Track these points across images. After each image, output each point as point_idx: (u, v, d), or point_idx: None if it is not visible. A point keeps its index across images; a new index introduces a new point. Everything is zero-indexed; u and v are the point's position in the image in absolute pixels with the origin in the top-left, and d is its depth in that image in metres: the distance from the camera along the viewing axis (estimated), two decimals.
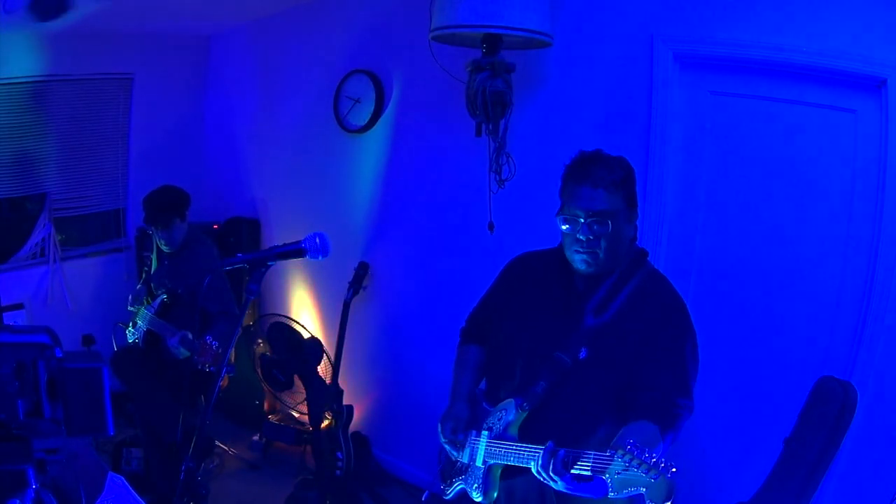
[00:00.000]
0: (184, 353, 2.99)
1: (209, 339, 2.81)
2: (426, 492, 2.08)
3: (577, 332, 1.77)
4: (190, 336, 2.99)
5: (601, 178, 1.71)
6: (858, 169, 2.27)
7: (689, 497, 2.58)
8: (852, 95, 2.26)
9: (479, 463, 1.87)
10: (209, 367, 2.80)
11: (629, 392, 1.73)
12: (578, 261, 1.78)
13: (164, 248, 3.36)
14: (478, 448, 1.88)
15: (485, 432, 1.87)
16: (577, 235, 1.74)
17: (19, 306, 3.96)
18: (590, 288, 1.81)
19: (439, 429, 1.94)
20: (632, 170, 1.79)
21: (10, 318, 3.83)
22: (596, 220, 1.71)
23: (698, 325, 1.80)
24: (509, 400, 1.85)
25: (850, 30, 2.18)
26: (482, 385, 2.04)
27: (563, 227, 1.78)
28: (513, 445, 1.79)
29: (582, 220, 1.72)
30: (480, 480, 1.87)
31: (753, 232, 2.53)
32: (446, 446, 1.95)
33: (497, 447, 1.83)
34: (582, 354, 1.75)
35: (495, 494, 1.86)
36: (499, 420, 1.86)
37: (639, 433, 1.64)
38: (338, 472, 3.43)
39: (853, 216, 2.30)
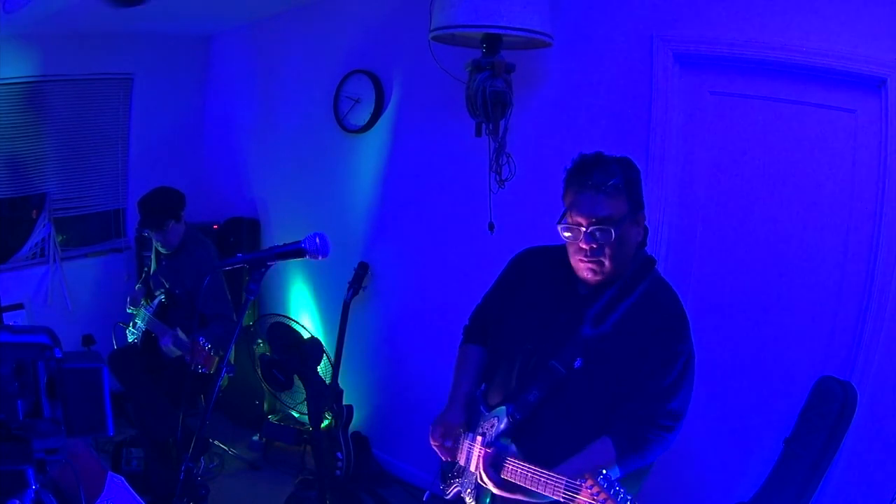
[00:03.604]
0: (175, 351, 2.99)
1: (201, 339, 2.81)
2: (427, 492, 2.08)
3: (573, 341, 1.74)
4: (180, 335, 2.98)
5: (602, 183, 1.65)
6: (858, 169, 2.27)
7: (689, 497, 2.59)
8: (852, 95, 2.26)
9: (472, 468, 1.86)
10: (201, 368, 2.80)
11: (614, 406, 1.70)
12: (584, 270, 1.73)
13: (160, 249, 3.36)
14: (472, 453, 1.87)
15: (479, 438, 1.86)
16: (581, 244, 1.69)
17: (19, 306, 3.96)
18: (592, 294, 1.77)
19: (430, 431, 1.93)
20: (635, 170, 1.74)
21: (10, 318, 3.83)
22: (599, 227, 1.66)
23: (698, 325, 1.79)
24: (501, 407, 1.83)
25: (850, 30, 2.18)
26: (483, 386, 2.01)
27: (566, 235, 1.73)
28: None
29: (584, 229, 1.67)
30: (473, 486, 1.86)
31: (753, 232, 2.53)
32: (435, 450, 1.93)
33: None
34: (577, 364, 1.72)
35: (487, 501, 1.83)
36: (491, 427, 1.84)
37: (590, 456, 1.63)
38: (338, 472, 3.43)
39: (853, 216, 2.30)
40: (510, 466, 1.68)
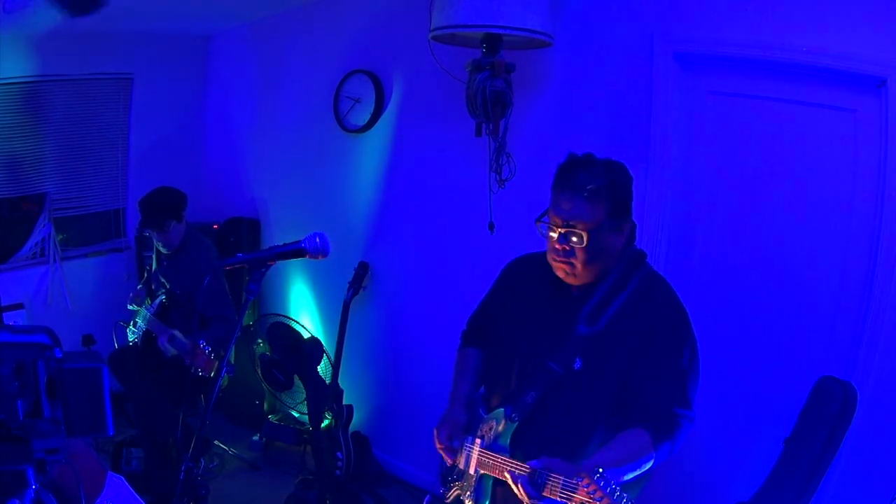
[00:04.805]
0: (171, 350, 2.99)
1: (202, 343, 2.79)
2: (427, 495, 2.07)
3: (569, 341, 1.73)
4: (178, 335, 2.98)
5: (581, 186, 1.63)
6: (858, 169, 2.27)
7: (689, 497, 2.59)
8: (852, 95, 2.26)
9: (471, 471, 1.86)
10: (200, 371, 2.79)
11: (625, 401, 1.69)
12: (556, 269, 1.73)
13: (161, 249, 3.36)
14: (471, 455, 1.87)
15: (477, 440, 1.86)
16: (555, 244, 1.69)
17: (19, 306, 3.96)
18: (584, 293, 1.76)
19: (435, 434, 1.91)
20: (621, 175, 1.70)
21: (10, 318, 3.83)
22: (571, 230, 1.65)
23: (698, 325, 1.79)
24: (500, 409, 1.82)
25: (850, 30, 2.18)
26: (482, 390, 2.01)
27: (544, 233, 1.72)
28: (499, 458, 1.76)
29: (560, 229, 1.67)
30: (472, 488, 1.86)
31: (753, 232, 2.52)
32: (440, 452, 1.92)
33: (486, 457, 1.81)
34: (576, 365, 1.71)
35: (486, 503, 1.83)
36: (490, 429, 1.83)
37: (625, 445, 1.62)
38: (338, 472, 3.43)
39: (853, 216, 2.30)
40: (488, 460, 1.65)
